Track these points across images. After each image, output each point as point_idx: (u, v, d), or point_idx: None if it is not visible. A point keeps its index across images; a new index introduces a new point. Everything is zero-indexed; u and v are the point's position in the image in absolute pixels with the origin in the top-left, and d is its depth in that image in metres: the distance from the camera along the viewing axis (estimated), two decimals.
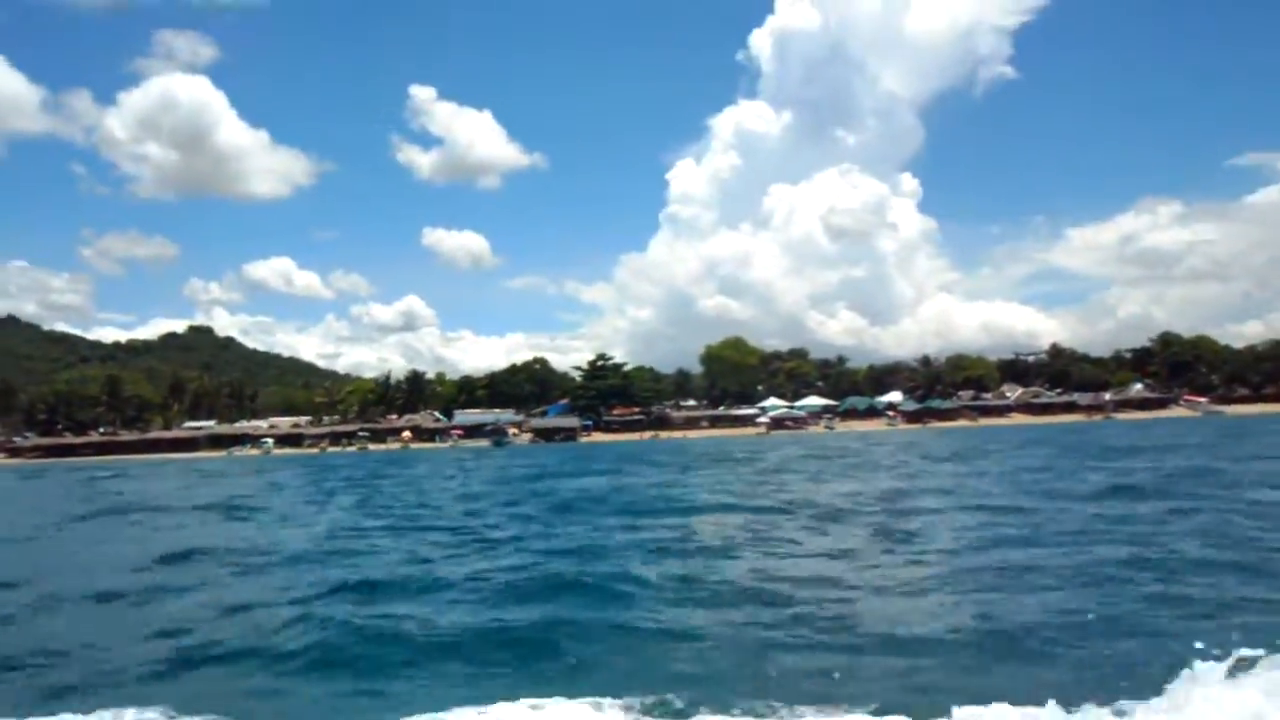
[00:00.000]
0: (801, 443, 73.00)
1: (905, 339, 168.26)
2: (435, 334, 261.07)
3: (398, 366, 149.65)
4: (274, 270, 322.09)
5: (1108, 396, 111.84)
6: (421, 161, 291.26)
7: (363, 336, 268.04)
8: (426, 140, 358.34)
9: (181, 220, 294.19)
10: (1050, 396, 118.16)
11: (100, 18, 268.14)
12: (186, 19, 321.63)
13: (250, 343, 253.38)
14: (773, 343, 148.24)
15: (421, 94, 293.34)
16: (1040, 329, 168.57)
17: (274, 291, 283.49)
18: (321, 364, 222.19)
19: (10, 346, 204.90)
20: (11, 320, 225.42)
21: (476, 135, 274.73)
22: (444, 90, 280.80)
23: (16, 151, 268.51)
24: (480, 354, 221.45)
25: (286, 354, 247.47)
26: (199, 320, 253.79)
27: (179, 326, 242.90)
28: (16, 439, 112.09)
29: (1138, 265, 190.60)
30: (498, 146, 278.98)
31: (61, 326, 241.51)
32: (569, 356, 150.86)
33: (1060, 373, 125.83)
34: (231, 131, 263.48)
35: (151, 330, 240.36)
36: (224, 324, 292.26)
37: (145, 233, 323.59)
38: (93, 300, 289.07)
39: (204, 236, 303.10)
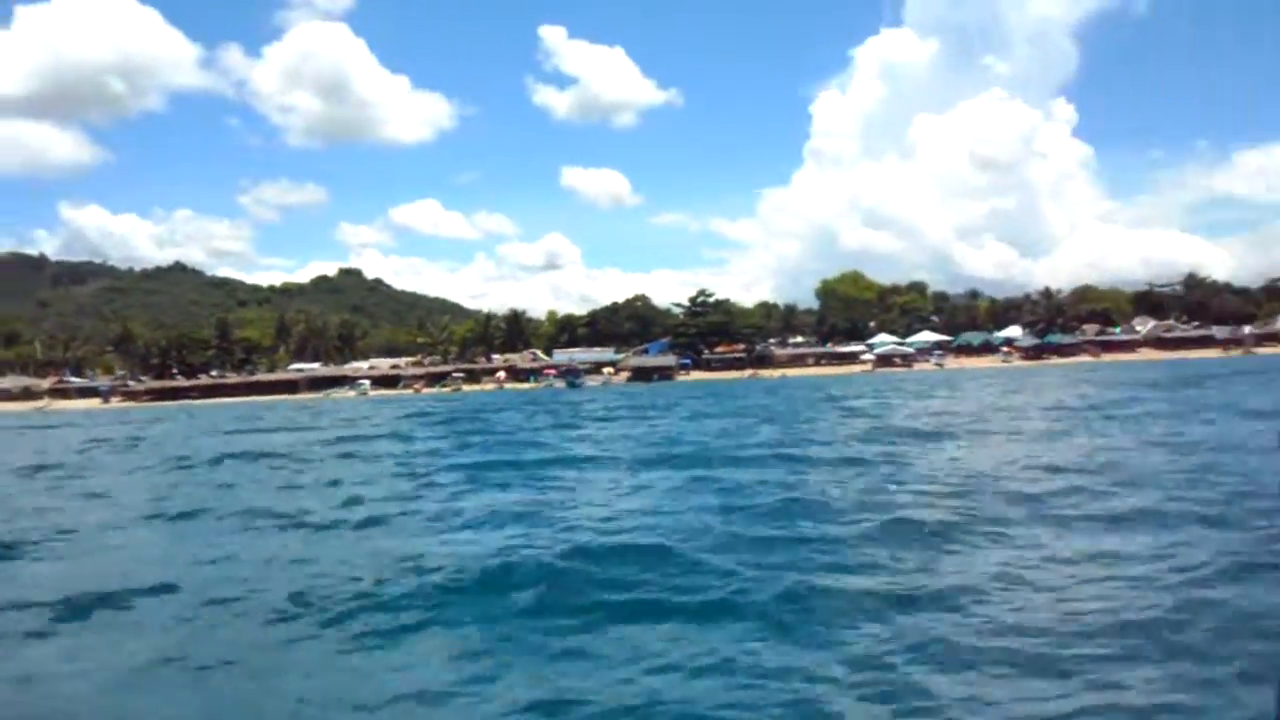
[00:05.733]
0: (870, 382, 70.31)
1: (1057, 272, 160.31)
2: (580, 272, 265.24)
3: (544, 305, 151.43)
4: (420, 213, 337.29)
5: (1247, 330, 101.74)
6: (557, 101, 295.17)
7: (509, 275, 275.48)
8: (561, 80, 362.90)
9: (330, 167, 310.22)
10: (1184, 330, 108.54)
11: None
12: None
13: (400, 284, 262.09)
14: (919, 276, 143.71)
15: (551, 34, 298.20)
16: (1208, 259, 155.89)
17: (421, 234, 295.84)
18: (469, 304, 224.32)
19: (178, 293, 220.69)
20: (179, 267, 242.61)
21: (610, 73, 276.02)
22: (574, 29, 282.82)
23: (178, 105, 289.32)
24: (626, 291, 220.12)
25: (434, 295, 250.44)
26: (352, 263, 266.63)
27: (331, 270, 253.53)
28: (131, 382, 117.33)
29: None
30: (632, 84, 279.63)
31: (225, 271, 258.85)
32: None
33: (1198, 304, 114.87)
34: (372, 78, 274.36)
35: (307, 274, 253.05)
36: (375, 266, 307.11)
37: (297, 180, 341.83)
38: (253, 245, 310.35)
39: (352, 182, 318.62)
